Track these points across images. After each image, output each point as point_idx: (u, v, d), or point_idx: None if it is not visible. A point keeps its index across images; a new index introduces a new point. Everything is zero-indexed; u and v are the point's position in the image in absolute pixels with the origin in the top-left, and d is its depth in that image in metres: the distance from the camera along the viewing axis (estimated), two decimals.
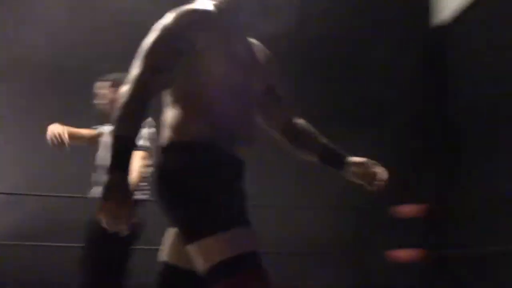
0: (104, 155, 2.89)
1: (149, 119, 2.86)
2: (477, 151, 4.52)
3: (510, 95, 4.00)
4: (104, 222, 1.42)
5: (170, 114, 1.62)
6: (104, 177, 1.50)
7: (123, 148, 1.47)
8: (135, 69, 1.54)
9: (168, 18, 1.59)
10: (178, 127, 1.59)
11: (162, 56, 1.55)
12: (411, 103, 5.18)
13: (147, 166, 2.87)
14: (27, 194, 4.38)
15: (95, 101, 3.09)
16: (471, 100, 4.61)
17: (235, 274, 1.40)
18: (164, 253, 1.67)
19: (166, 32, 1.56)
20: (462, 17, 4.74)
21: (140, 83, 1.50)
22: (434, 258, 4.58)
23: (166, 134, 1.62)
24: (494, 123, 4.28)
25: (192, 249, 1.46)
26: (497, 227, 4.04)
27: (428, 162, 5.01)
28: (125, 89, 1.51)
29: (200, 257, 1.45)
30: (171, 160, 1.57)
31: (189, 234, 1.47)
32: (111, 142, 1.48)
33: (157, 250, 1.69)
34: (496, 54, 4.29)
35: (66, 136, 2.78)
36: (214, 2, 1.67)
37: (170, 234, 1.67)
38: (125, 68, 1.69)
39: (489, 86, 4.33)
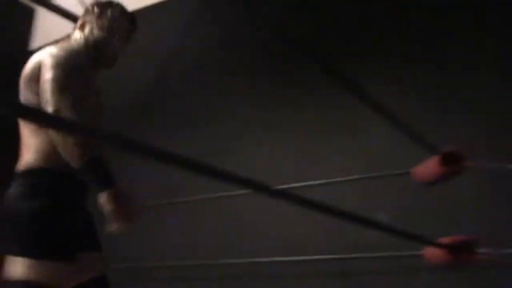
0: None
1: None
2: None
3: None
4: (120, 227, 1.64)
5: (36, 140, 1.78)
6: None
7: (103, 165, 1.66)
8: (62, 105, 1.68)
9: (58, 57, 1.79)
10: (44, 153, 1.76)
11: (76, 91, 1.74)
12: None
13: None
14: None
15: None
16: None
17: None
18: None
19: (69, 70, 1.76)
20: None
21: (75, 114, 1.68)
22: None
23: (31, 158, 1.78)
24: None
25: (13, 259, 1.68)
26: None
27: None
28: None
29: (13, 268, 1.66)
30: (38, 185, 1.74)
31: (17, 247, 1.70)
32: (88, 166, 1.64)
33: None
34: None
35: None
36: (72, 44, 1.96)
37: None
38: None
39: None
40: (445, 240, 1.85)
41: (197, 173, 0.95)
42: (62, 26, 4.97)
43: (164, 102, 4.08)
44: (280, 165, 3.25)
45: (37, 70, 1.80)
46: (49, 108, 1.68)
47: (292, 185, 2.90)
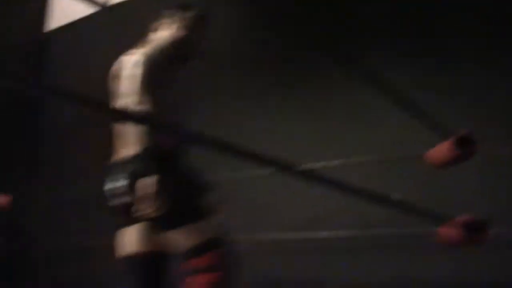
0: None
1: None
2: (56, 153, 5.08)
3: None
4: (144, 212, 1.81)
5: (133, 129, 1.98)
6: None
7: (156, 154, 1.88)
8: (147, 96, 1.96)
9: (146, 55, 2.06)
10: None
11: (160, 87, 2.01)
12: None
13: None
14: None
15: None
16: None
17: (209, 252, 1.88)
18: (134, 246, 2.01)
19: (155, 67, 2.03)
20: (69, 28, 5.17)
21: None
22: (12, 249, 4.68)
23: (131, 148, 1.96)
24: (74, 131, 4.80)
25: (175, 234, 1.91)
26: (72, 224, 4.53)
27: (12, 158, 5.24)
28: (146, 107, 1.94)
29: (183, 239, 1.91)
30: (155, 165, 1.91)
31: (174, 222, 1.91)
32: (145, 152, 1.87)
33: None
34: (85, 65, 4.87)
35: None
36: (158, 43, 2.19)
37: (130, 231, 2.01)
38: None
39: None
40: (459, 219, 1.91)
41: (228, 154, 1.03)
42: (77, 6, 5.03)
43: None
44: (296, 147, 3.32)
45: (125, 68, 2.08)
46: (134, 98, 1.95)
47: (310, 165, 2.98)
